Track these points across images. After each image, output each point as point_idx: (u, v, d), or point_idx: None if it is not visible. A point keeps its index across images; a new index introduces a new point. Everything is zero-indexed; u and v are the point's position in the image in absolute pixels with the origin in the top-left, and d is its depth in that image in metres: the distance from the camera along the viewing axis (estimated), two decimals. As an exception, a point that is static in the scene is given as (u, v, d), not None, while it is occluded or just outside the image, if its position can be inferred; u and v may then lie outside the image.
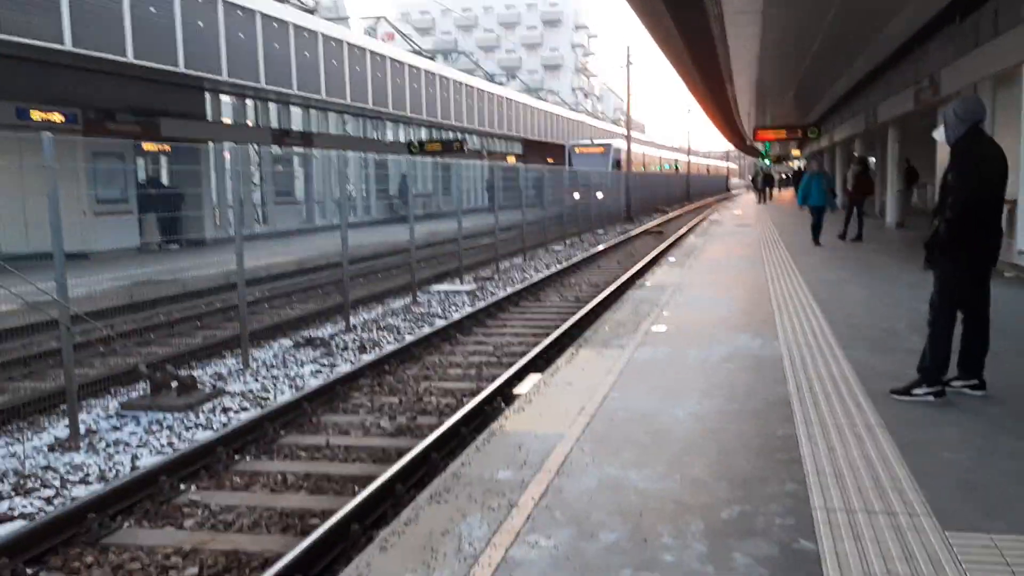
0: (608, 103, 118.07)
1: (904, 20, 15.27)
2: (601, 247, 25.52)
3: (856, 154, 27.62)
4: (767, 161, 64.84)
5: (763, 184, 46.48)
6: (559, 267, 20.00)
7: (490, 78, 42.23)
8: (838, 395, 6.05)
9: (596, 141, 45.60)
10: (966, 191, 5.56)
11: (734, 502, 4.18)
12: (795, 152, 59.61)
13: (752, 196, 55.37)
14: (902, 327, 8.59)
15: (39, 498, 6.13)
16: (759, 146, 58.41)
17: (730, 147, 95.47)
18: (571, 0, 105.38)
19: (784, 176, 71.84)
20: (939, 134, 5.87)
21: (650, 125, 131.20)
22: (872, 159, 29.12)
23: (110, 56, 16.83)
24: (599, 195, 35.35)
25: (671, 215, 45.64)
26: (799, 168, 54.69)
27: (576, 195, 32.74)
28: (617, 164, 42.15)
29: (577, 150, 43.12)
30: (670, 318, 9.59)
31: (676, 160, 72.72)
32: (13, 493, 6.21)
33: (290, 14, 23.70)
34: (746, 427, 5.42)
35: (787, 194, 55.62)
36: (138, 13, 17.36)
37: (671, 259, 16.82)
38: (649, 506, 4.15)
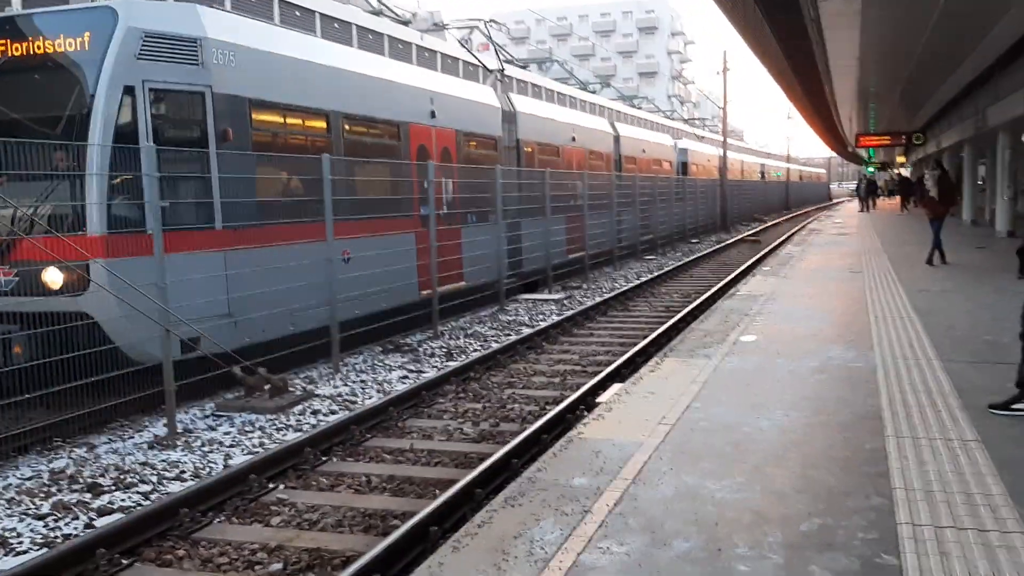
0: (705, 109, 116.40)
1: (1011, 23, 14.58)
2: (694, 256, 25.17)
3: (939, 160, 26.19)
4: (871, 169, 62.90)
5: (866, 192, 44.90)
6: (649, 276, 19.80)
7: (583, 86, 41.81)
8: (933, 409, 5.82)
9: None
10: None
11: (815, 515, 4.06)
12: (900, 159, 57.57)
13: (855, 204, 53.68)
14: (1007, 339, 8.19)
15: (137, 492, 6.40)
16: (862, 153, 56.72)
17: (832, 154, 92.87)
18: (667, 7, 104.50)
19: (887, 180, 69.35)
20: None
21: (748, 131, 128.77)
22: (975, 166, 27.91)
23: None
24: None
25: (768, 224, 44.66)
26: (904, 175, 52.58)
27: None
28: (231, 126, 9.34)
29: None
30: (760, 328, 9.38)
31: (773, 167, 70.99)
32: (114, 487, 6.50)
33: (385, 26, 24.18)
34: (833, 439, 5.26)
35: (891, 202, 53.72)
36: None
37: (765, 268, 16.46)
38: (726, 516, 4.07)
